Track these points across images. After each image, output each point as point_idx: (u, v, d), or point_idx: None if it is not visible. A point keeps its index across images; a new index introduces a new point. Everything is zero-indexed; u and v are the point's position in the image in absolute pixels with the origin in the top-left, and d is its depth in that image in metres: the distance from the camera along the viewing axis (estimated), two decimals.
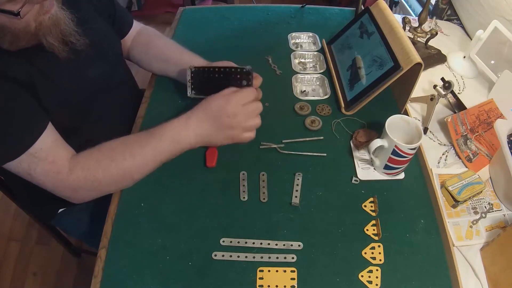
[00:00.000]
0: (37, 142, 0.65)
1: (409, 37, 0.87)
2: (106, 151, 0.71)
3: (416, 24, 1.10)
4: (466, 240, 0.73)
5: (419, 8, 1.78)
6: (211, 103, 0.74)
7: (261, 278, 0.64)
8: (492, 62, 1.03)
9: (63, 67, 0.73)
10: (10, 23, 0.60)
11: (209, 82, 0.77)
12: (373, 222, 0.71)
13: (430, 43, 1.09)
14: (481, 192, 0.78)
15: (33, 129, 0.66)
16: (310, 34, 1.14)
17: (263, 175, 0.77)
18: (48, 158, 0.67)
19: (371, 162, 0.81)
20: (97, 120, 0.83)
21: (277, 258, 0.66)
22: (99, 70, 0.81)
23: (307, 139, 0.84)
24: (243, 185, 0.76)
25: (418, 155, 0.83)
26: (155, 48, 0.94)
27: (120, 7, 0.93)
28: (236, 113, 0.73)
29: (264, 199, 0.74)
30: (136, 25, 0.98)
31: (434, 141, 0.91)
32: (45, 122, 0.68)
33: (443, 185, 0.79)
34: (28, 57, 0.67)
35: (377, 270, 0.65)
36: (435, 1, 1.34)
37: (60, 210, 0.94)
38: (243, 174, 0.78)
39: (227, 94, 0.75)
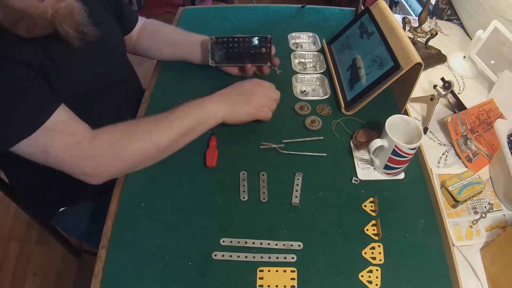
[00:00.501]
0: (53, 116, 0.64)
1: (409, 37, 0.87)
2: (133, 121, 0.72)
3: (416, 24, 1.10)
4: (466, 240, 0.73)
5: (419, 8, 1.78)
6: (239, 84, 0.81)
7: (261, 278, 0.64)
8: (492, 62, 1.03)
9: (75, 57, 0.73)
10: (29, 8, 0.61)
11: (229, 50, 0.84)
12: (373, 222, 0.71)
13: (430, 43, 1.09)
14: (481, 192, 0.78)
15: (47, 104, 0.65)
16: (310, 34, 1.14)
17: (263, 175, 0.77)
18: (67, 130, 0.65)
19: (371, 162, 0.81)
20: (98, 116, 0.83)
21: (277, 258, 0.66)
22: (105, 66, 0.82)
23: (307, 139, 0.84)
24: (243, 185, 0.76)
25: (418, 155, 0.83)
26: (163, 34, 0.98)
27: (125, 3, 0.95)
28: (259, 92, 0.81)
29: (264, 199, 0.74)
30: (140, 20, 1.01)
31: (434, 141, 0.91)
32: (58, 100, 0.67)
33: (443, 185, 0.79)
34: (42, 46, 0.68)
35: (377, 270, 0.65)
36: (435, 1, 1.34)
37: (60, 209, 0.95)
38: (243, 174, 0.78)
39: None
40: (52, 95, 0.67)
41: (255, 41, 0.83)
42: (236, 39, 0.85)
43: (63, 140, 0.65)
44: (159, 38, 0.98)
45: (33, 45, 0.66)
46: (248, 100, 0.79)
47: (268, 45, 0.83)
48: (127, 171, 0.73)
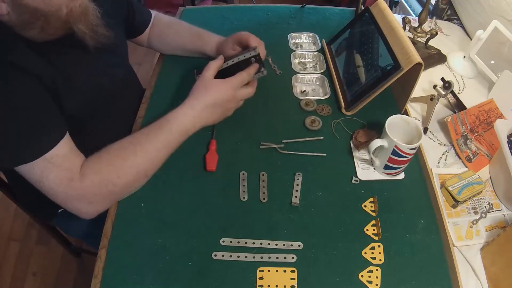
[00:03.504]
0: (56, 147, 0.64)
1: (409, 37, 0.87)
2: (116, 152, 0.69)
3: (416, 24, 1.10)
4: (466, 240, 0.73)
5: (419, 8, 1.78)
6: (216, 94, 0.76)
7: (261, 278, 0.64)
8: (492, 62, 1.03)
9: (82, 68, 0.73)
10: (44, 4, 0.60)
11: (222, 74, 0.79)
12: (373, 222, 0.71)
13: (430, 43, 1.09)
14: (481, 192, 0.78)
15: (52, 134, 0.64)
16: (310, 34, 1.14)
17: (263, 175, 0.77)
18: (64, 165, 0.64)
19: (371, 162, 0.81)
20: (105, 121, 0.84)
21: (277, 258, 0.66)
22: (113, 72, 0.82)
23: (307, 139, 0.84)
24: (243, 185, 0.76)
25: (418, 155, 0.83)
26: (168, 39, 1.03)
27: (137, 5, 0.96)
28: (231, 107, 0.79)
29: (264, 199, 0.74)
30: (152, 14, 1.04)
31: (434, 141, 0.91)
32: (65, 128, 0.67)
33: (443, 185, 0.79)
34: (50, 57, 0.67)
35: (377, 270, 0.65)
36: (435, 1, 1.34)
37: (61, 210, 0.94)
38: (243, 174, 0.77)
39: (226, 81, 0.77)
40: (59, 121, 0.66)
41: (244, 58, 0.80)
42: (224, 63, 0.81)
43: (58, 174, 0.64)
44: (166, 42, 1.03)
45: (42, 56, 0.65)
46: (221, 115, 0.78)
47: (256, 54, 0.79)
48: (118, 200, 0.73)
